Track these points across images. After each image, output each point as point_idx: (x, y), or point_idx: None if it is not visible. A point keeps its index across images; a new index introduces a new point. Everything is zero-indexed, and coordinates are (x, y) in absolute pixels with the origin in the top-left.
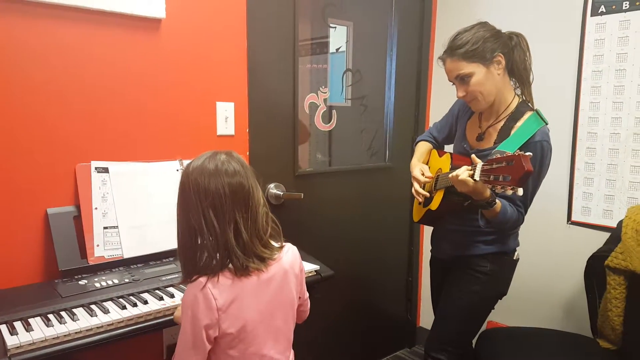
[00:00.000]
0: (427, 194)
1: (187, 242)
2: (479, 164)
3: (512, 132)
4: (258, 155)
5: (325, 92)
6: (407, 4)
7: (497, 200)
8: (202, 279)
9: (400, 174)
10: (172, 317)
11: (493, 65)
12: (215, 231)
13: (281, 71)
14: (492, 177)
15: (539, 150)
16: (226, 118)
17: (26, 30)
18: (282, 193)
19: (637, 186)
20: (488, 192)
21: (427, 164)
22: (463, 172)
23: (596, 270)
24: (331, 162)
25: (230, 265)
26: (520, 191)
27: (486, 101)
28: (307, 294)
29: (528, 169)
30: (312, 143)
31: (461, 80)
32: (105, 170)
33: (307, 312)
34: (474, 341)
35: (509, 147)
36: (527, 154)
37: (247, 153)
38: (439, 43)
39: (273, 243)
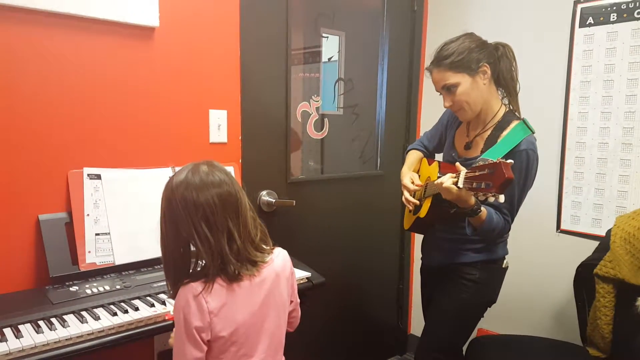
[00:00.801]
0: (417, 202)
1: (177, 256)
2: (463, 171)
3: (499, 140)
4: (250, 163)
5: (318, 101)
6: (399, 14)
7: (482, 208)
8: (195, 284)
9: (391, 182)
10: (163, 323)
11: (479, 75)
12: (209, 242)
13: (274, 80)
14: (474, 184)
15: (524, 159)
16: (219, 126)
17: (19, 38)
18: (274, 200)
19: (626, 195)
20: (473, 200)
21: (417, 172)
22: (447, 180)
23: (585, 278)
24: (323, 170)
25: (222, 273)
26: (501, 198)
27: (473, 111)
28: (298, 299)
29: (508, 176)
30: (305, 151)
31: (448, 90)
32: (98, 176)
33: (298, 319)
34: (464, 348)
35: (494, 155)
36: (509, 161)
37: (240, 160)
38: (430, 53)
39: (263, 246)
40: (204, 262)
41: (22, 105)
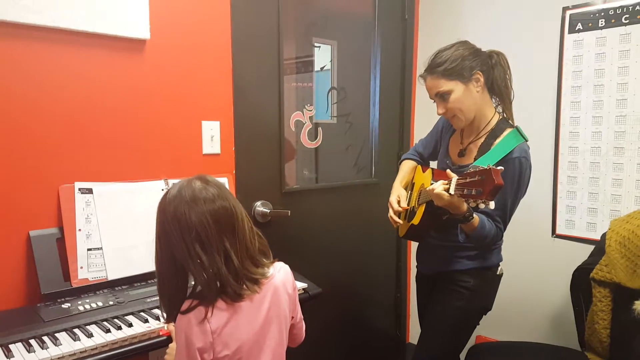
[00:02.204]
0: (400, 222)
1: (172, 280)
2: (454, 178)
3: (492, 148)
4: (244, 174)
5: (311, 110)
6: (390, 23)
7: (474, 215)
8: (198, 308)
9: (386, 190)
10: (157, 339)
11: (472, 82)
12: (204, 265)
13: (267, 90)
14: (465, 190)
15: (516, 166)
16: (212, 137)
17: (11, 52)
18: (269, 210)
19: (619, 199)
20: (465, 206)
21: (411, 180)
22: (439, 186)
23: (582, 283)
24: (318, 179)
25: (222, 295)
26: (491, 204)
27: (466, 118)
28: (301, 315)
29: (498, 183)
30: (299, 160)
31: (441, 97)
32: (89, 191)
33: (302, 336)
34: (463, 356)
35: (487, 162)
36: (499, 168)
37: (234, 171)
38: (422, 61)
39: (263, 259)
40: (200, 285)
41: (12, 119)
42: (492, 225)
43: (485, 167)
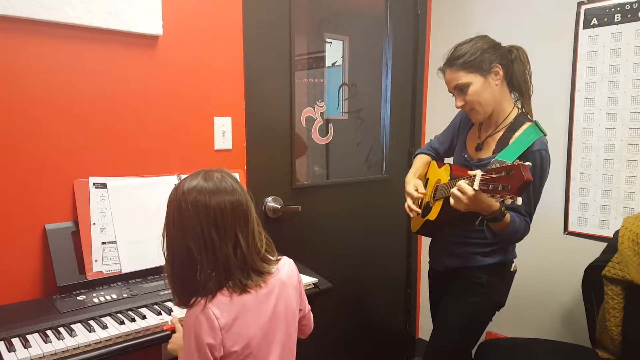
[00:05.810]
0: (419, 210)
1: (184, 264)
2: (479, 173)
3: (511, 141)
4: (256, 169)
5: (322, 106)
6: (402, 18)
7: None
8: (202, 300)
9: (397, 186)
10: (170, 331)
11: (491, 75)
12: (215, 249)
13: (278, 86)
14: (491, 186)
15: (538, 160)
16: (223, 132)
17: (26, 47)
18: (279, 206)
19: (633, 196)
20: (496, 204)
21: (425, 175)
22: (462, 182)
23: (594, 280)
24: (329, 175)
25: (229, 284)
26: (519, 200)
27: (484, 111)
28: (308, 307)
29: (527, 179)
30: (310, 156)
31: (460, 90)
32: (104, 185)
33: (311, 326)
34: (473, 352)
35: (508, 156)
36: (527, 163)
37: (245, 167)
38: (434, 56)
39: (269, 257)
40: (207, 273)
41: (28, 115)
42: (521, 220)
43: (513, 162)
